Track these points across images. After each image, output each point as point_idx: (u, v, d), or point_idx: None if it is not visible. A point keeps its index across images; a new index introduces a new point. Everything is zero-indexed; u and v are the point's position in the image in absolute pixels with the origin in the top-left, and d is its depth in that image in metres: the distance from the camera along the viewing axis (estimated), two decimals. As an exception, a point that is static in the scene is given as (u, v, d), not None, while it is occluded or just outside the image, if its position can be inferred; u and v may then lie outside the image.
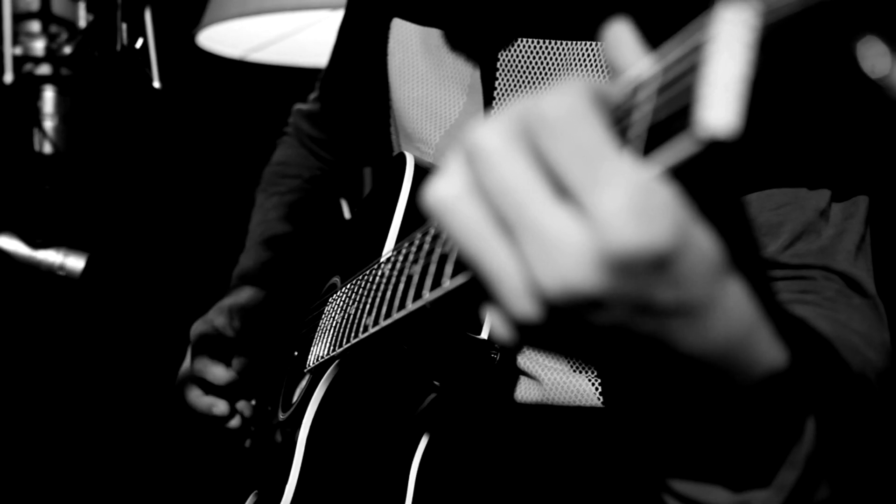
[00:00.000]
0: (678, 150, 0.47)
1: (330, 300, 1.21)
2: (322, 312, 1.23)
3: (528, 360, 1.10)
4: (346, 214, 1.46)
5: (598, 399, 1.07)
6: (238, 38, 2.14)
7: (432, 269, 0.76)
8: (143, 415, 2.03)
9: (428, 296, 0.75)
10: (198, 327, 1.41)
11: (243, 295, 1.47)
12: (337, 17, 2.14)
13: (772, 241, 0.85)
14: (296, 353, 1.32)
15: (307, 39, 2.25)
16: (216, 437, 1.41)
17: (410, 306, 0.79)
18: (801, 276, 0.85)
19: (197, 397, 1.41)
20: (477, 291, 0.59)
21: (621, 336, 0.53)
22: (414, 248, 0.84)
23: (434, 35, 1.21)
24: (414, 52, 1.25)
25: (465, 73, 1.18)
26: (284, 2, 2.05)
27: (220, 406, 1.38)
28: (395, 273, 0.88)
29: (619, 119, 0.53)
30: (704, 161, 0.48)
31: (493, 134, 0.52)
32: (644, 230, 0.47)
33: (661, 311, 0.51)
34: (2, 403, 2.05)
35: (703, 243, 0.50)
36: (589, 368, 1.08)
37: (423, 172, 1.13)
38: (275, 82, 2.20)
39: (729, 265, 0.51)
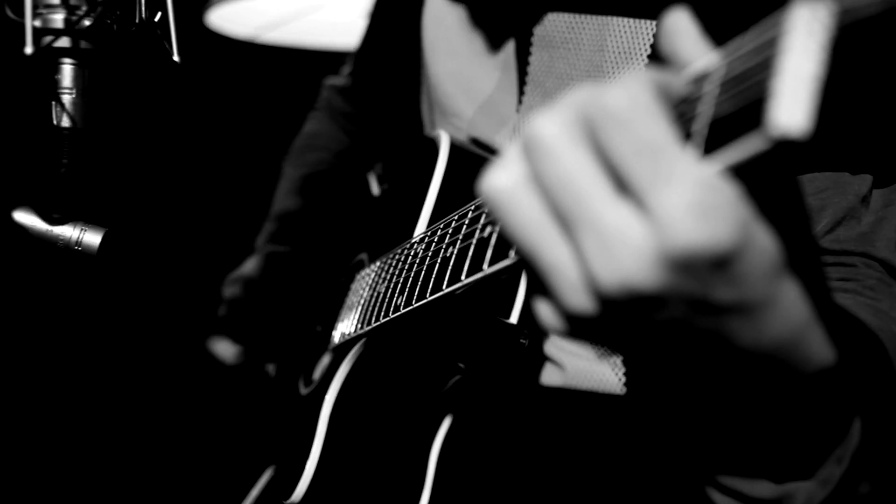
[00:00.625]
0: (745, 147, 0.47)
1: (357, 277, 1.21)
2: (348, 289, 1.23)
3: (553, 346, 1.10)
4: (374, 190, 1.45)
5: (621, 387, 1.06)
6: (248, 17, 2.13)
7: (470, 252, 0.75)
8: (158, 391, 2.03)
9: (466, 280, 0.74)
10: (232, 279, 1.41)
11: (260, 265, 1.47)
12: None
13: (812, 226, 0.84)
14: (318, 328, 1.32)
15: (319, 20, 2.23)
16: (236, 404, 1.41)
17: (446, 289, 0.79)
18: (842, 263, 0.85)
19: (218, 345, 1.41)
20: (530, 281, 0.58)
21: (676, 332, 0.52)
22: (450, 231, 0.83)
23: (470, 9, 1.20)
24: (448, 26, 1.24)
25: (499, 48, 1.16)
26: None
27: (232, 352, 1.39)
28: (430, 254, 0.87)
29: (681, 113, 0.52)
30: (769, 158, 0.47)
31: (554, 125, 0.51)
32: (707, 229, 0.46)
33: (719, 308, 0.50)
34: (16, 378, 2.05)
35: (764, 242, 0.49)
36: (613, 356, 1.07)
37: (457, 151, 1.12)
38: (287, 63, 2.19)
39: (786, 263, 0.51)
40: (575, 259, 0.51)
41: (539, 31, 1.09)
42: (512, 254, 0.67)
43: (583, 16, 1.05)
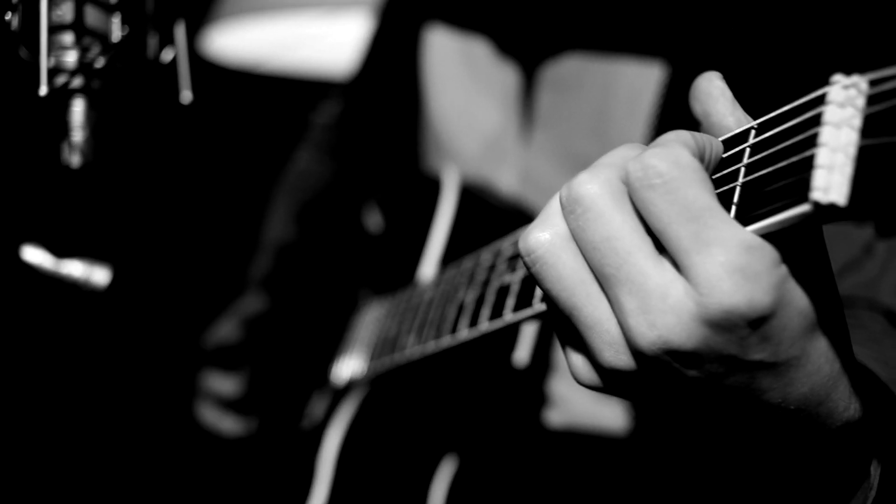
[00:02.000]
0: (787, 214, 0.49)
1: (361, 315, 1.21)
2: (349, 325, 1.22)
3: (556, 382, 1.10)
4: (370, 225, 1.46)
5: (625, 430, 1.06)
6: (246, 46, 2.14)
7: (490, 299, 0.76)
8: (163, 426, 2.02)
9: (486, 326, 0.75)
10: (211, 338, 1.40)
11: (255, 302, 1.46)
12: (338, 27, 2.15)
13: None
14: (317, 366, 1.31)
15: (318, 50, 2.25)
16: (227, 451, 1.40)
17: (466, 333, 0.79)
18: (848, 309, 0.86)
19: (206, 412, 1.39)
20: (562, 336, 0.59)
21: (708, 388, 0.54)
22: (465, 276, 0.84)
23: (474, 44, 1.21)
24: (451, 61, 1.24)
25: (507, 86, 1.17)
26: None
27: (226, 423, 1.37)
28: (446, 299, 0.88)
29: (719, 178, 0.55)
30: (806, 224, 0.49)
31: (596, 184, 0.53)
32: (746, 292, 0.48)
33: (754, 366, 0.52)
34: (23, 415, 2.03)
35: (798, 302, 0.51)
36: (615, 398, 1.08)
37: (464, 190, 1.13)
38: (285, 93, 2.20)
39: (817, 322, 0.53)
40: (614, 316, 0.53)
41: (548, 72, 1.10)
42: (536, 303, 0.68)
43: (591, 60, 1.06)
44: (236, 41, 2.06)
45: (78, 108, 0.91)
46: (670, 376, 0.53)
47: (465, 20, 1.23)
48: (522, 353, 1.06)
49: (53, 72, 0.88)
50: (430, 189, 1.18)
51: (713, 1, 0.98)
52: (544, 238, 0.55)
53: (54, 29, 0.87)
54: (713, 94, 0.58)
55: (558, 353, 1.09)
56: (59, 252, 0.95)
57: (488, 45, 1.19)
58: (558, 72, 1.09)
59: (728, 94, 0.58)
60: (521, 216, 1.13)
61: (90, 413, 2.12)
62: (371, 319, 1.15)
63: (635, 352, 0.52)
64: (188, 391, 1.40)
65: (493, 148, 1.19)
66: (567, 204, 0.54)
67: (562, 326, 0.59)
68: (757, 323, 0.50)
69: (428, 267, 1.10)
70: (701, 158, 0.54)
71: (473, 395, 1.10)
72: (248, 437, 1.38)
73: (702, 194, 0.50)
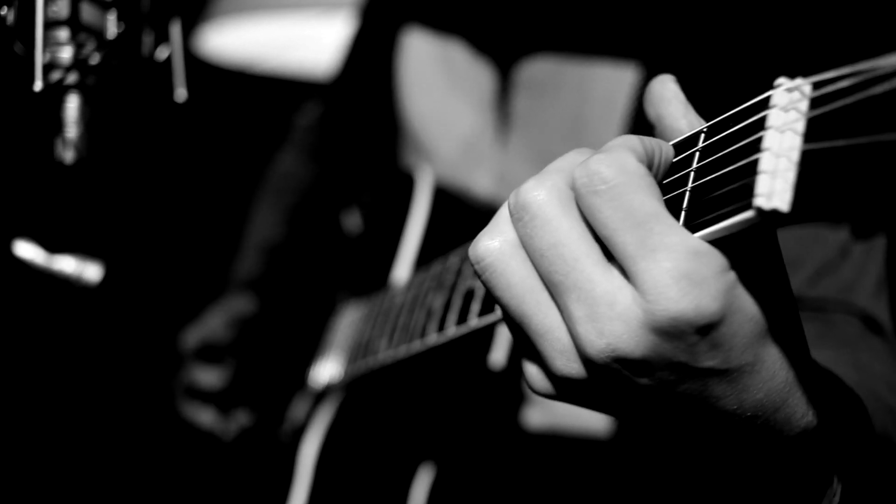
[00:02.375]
0: (732, 220, 0.49)
1: (339, 318, 1.20)
2: (327, 328, 1.22)
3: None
4: (349, 226, 1.46)
5: (606, 430, 1.07)
6: (238, 47, 2.14)
7: (457, 304, 0.76)
8: (150, 424, 2.01)
9: (453, 331, 0.75)
10: (192, 334, 1.39)
11: (240, 302, 1.46)
12: (331, 27, 2.15)
13: (793, 275, 0.86)
14: (299, 368, 1.31)
15: (305, 52, 2.25)
16: (207, 447, 1.40)
17: (434, 338, 0.79)
18: (822, 313, 0.86)
19: (186, 405, 1.39)
20: (516, 344, 0.59)
21: (660, 395, 0.54)
22: (434, 281, 0.84)
23: (451, 47, 1.21)
24: (428, 64, 1.24)
25: (483, 89, 1.17)
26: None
27: (204, 416, 1.36)
28: (416, 303, 0.88)
29: (669, 182, 0.54)
30: (753, 229, 0.49)
31: (543, 192, 0.53)
32: (693, 299, 0.48)
33: (703, 373, 0.52)
34: (15, 411, 2.03)
35: (747, 309, 0.51)
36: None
37: (438, 191, 1.13)
38: (276, 93, 2.20)
39: (768, 328, 0.53)
40: (564, 324, 0.53)
41: (523, 74, 1.10)
42: (498, 309, 0.68)
43: (565, 63, 1.07)
44: (230, 40, 2.06)
45: (72, 105, 0.91)
46: (621, 384, 0.53)
47: (441, 22, 1.23)
48: (499, 354, 1.07)
49: (48, 67, 0.88)
50: (405, 190, 1.17)
51: (687, 3, 0.98)
52: (493, 246, 0.55)
53: (50, 25, 0.87)
54: (666, 96, 0.58)
55: None
56: (52, 247, 0.95)
57: (464, 47, 1.19)
58: (533, 74, 1.09)
59: (681, 96, 0.58)
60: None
61: (81, 409, 2.11)
62: (348, 322, 1.15)
63: (585, 360, 0.52)
64: (174, 388, 1.39)
65: (470, 151, 1.19)
66: (514, 211, 0.54)
67: (516, 334, 0.58)
68: (705, 329, 0.49)
69: (402, 269, 1.10)
70: (649, 164, 0.53)
71: (451, 398, 1.10)
72: (229, 438, 1.37)
73: (647, 200, 0.50)
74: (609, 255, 0.52)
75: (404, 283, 0.98)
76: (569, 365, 0.53)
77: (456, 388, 1.07)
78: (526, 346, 0.58)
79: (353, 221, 1.45)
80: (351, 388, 1.09)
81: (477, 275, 0.56)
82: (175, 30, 0.92)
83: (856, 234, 0.92)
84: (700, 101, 0.61)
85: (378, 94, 1.33)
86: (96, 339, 2.00)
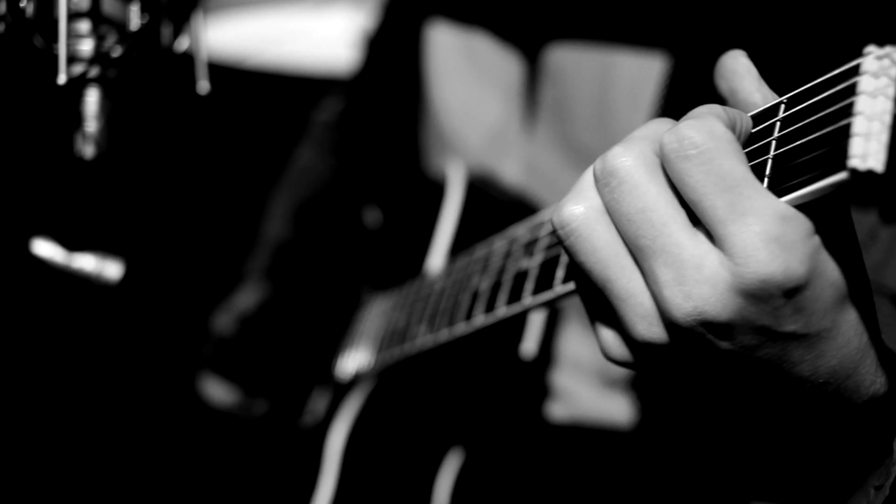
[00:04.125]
0: (822, 183, 0.50)
1: (365, 310, 1.20)
2: (352, 321, 1.21)
3: (561, 374, 1.10)
4: (369, 221, 1.45)
5: (629, 422, 1.07)
6: (228, 43, 2.12)
7: (507, 285, 0.76)
8: (172, 418, 1.99)
9: (504, 311, 0.75)
10: (223, 315, 1.38)
11: (253, 296, 1.45)
12: (323, 22, 2.13)
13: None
14: (318, 361, 1.30)
15: (296, 47, 2.23)
16: (230, 437, 1.39)
17: (482, 319, 0.79)
18: None
19: (210, 381, 1.38)
20: (591, 311, 0.59)
21: (739, 360, 0.54)
22: (479, 265, 0.84)
23: (476, 38, 1.20)
24: (453, 56, 1.24)
25: (510, 78, 1.17)
26: None
27: (226, 394, 1.36)
28: (459, 287, 0.87)
29: (749, 152, 0.55)
30: (840, 193, 0.49)
31: (631, 158, 0.53)
32: (782, 261, 0.48)
33: (786, 337, 0.52)
34: (33, 409, 2.00)
35: (831, 273, 0.52)
36: (622, 388, 1.08)
37: (470, 186, 1.12)
38: (268, 88, 2.18)
39: (847, 293, 0.53)
40: (648, 288, 0.53)
41: (550, 62, 1.10)
42: (557, 286, 0.68)
43: (591, 51, 1.06)
44: (221, 36, 2.03)
45: (92, 98, 0.89)
46: (703, 348, 0.53)
47: (466, 14, 1.22)
48: (530, 344, 1.06)
49: (69, 61, 0.86)
50: (436, 185, 1.17)
51: None
52: (578, 211, 0.55)
53: (71, 17, 0.85)
54: (739, 70, 0.59)
55: (565, 345, 1.09)
56: (71, 245, 0.93)
57: (489, 38, 1.19)
58: (559, 63, 1.09)
59: (754, 71, 0.59)
60: (526, 208, 1.13)
61: (101, 407, 2.09)
62: (377, 313, 1.14)
63: (669, 323, 0.53)
64: (195, 385, 1.38)
65: (497, 140, 1.19)
66: (601, 177, 0.54)
67: (593, 301, 0.59)
68: (791, 293, 0.50)
69: (436, 259, 1.09)
70: (736, 131, 0.54)
71: (480, 387, 1.09)
72: (251, 431, 1.36)
73: (737, 165, 0.50)
74: (694, 220, 0.52)
75: (441, 270, 0.98)
76: (651, 329, 0.54)
77: (486, 378, 1.07)
78: (603, 312, 0.58)
79: (373, 216, 1.44)
80: (381, 377, 1.09)
81: (560, 240, 0.56)
82: (198, 22, 0.91)
83: (883, 219, 0.92)
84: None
85: (402, 90, 1.32)
86: (117, 338, 1.98)
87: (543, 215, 0.78)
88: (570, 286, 0.65)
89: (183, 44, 0.92)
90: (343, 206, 1.54)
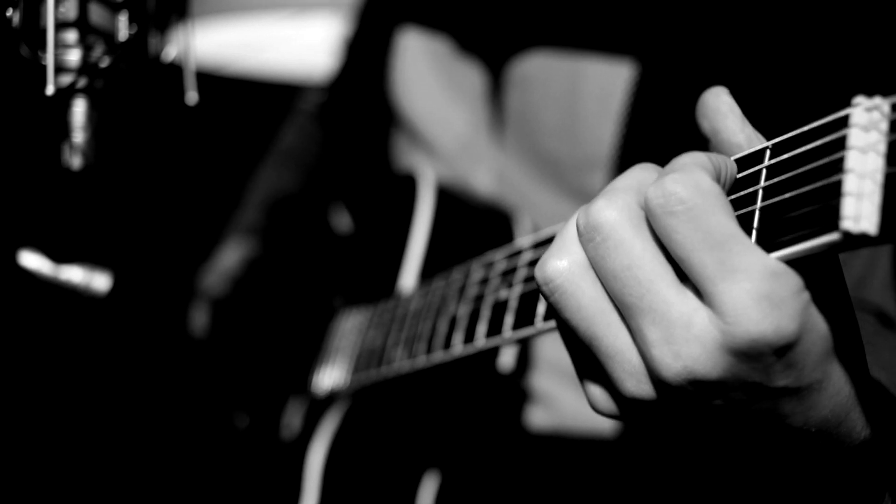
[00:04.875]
0: (813, 242, 0.48)
1: (340, 322, 1.18)
2: (327, 332, 1.20)
3: (543, 380, 1.10)
4: (339, 226, 1.43)
5: (613, 431, 1.07)
6: (209, 49, 2.11)
7: (485, 314, 0.75)
8: (160, 432, 1.98)
9: (483, 342, 0.74)
10: (211, 274, 1.38)
11: (244, 260, 1.46)
12: (304, 29, 2.13)
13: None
14: (291, 370, 1.28)
15: (277, 54, 2.22)
16: (211, 453, 1.37)
17: (460, 349, 0.78)
18: None
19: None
20: (578, 364, 0.58)
21: (731, 414, 0.53)
22: (455, 289, 0.83)
23: (441, 44, 1.20)
24: (422, 61, 1.23)
25: (474, 86, 1.16)
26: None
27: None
28: (435, 312, 0.86)
29: (737, 199, 0.54)
30: (833, 252, 0.49)
31: (615, 212, 0.52)
32: (773, 319, 0.48)
33: (778, 392, 0.52)
34: (22, 423, 1.98)
35: (820, 326, 0.51)
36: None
37: (442, 192, 1.11)
38: (249, 95, 2.17)
39: (834, 345, 0.52)
40: (634, 345, 0.52)
41: (517, 71, 1.09)
42: (539, 322, 0.67)
43: (558, 58, 1.06)
44: (202, 42, 2.02)
45: (79, 109, 0.88)
46: (692, 404, 0.53)
47: (432, 20, 1.22)
48: (507, 358, 1.06)
49: (56, 71, 0.85)
50: (406, 189, 1.15)
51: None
52: (562, 266, 0.54)
53: (58, 27, 0.84)
54: (721, 110, 0.58)
55: (542, 348, 1.09)
56: (59, 257, 0.92)
57: (454, 45, 1.18)
58: (525, 70, 1.08)
59: (737, 110, 0.57)
60: (500, 217, 1.12)
61: (90, 420, 2.07)
62: (351, 328, 1.12)
63: (657, 381, 0.52)
64: (185, 401, 1.36)
65: (468, 148, 1.18)
66: (585, 231, 0.53)
67: (579, 355, 0.58)
68: (783, 350, 0.49)
69: (409, 273, 1.08)
70: (718, 181, 0.53)
71: (458, 402, 1.09)
72: (234, 444, 1.35)
73: (725, 221, 0.49)
74: (681, 274, 0.51)
75: (417, 288, 0.96)
76: (639, 386, 0.53)
77: (463, 392, 1.06)
78: (590, 366, 0.57)
79: (343, 220, 1.42)
80: (357, 396, 1.08)
81: (545, 296, 0.55)
82: (186, 32, 0.90)
83: None
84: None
85: (374, 94, 1.32)
86: (105, 349, 1.96)
87: (519, 242, 0.77)
88: (552, 324, 0.64)
89: (171, 54, 0.92)
90: (310, 210, 1.53)
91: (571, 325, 0.54)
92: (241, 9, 1.90)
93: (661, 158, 0.55)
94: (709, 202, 0.49)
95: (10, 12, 0.83)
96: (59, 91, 0.85)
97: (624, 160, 1.00)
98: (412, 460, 1.07)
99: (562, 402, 1.09)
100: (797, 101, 0.92)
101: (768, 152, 0.53)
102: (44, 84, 0.82)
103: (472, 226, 1.11)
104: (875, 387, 0.64)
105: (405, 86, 1.26)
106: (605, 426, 1.07)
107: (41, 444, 1.98)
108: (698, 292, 0.50)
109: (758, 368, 0.50)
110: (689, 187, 0.49)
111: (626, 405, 0.56)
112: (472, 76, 1.17)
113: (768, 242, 0.51)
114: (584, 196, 1.04)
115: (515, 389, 1.09)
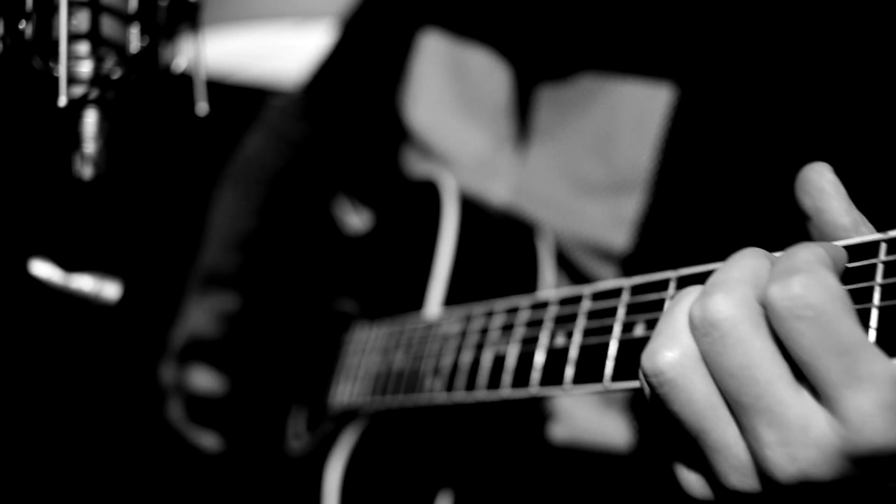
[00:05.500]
0: None
1: (356, 334, 1.16)
2: (344, 345, 1.18)
3: (561, 398, 1.10)
4: (348, 225, 1.39)
5: (628, 445, 1.07)
6: (213, 58, 2.12)
7: (539, 359, 0.73)
8: (169, 440, 1.98)
9: (537, 391, 0.72)
10: (181, 333, 1.33)
11: (225, 299, 1.41)
12: (308, 38, 2.14)
13: None
14: (303, 381, 1.27)
15: (281, 62, 2.23)
16: (219, 466, 1.37)
17: (508, 392, 0.76)
18: None
19: (178, 412, 1.33)
20: (675, 452, 0.57)
21: (832, 501, 0.52)
22: (499, 324, 0.80)
23: (470, 53, 1.19)
24: (442, 68, 1.21)
25: (498, 97, 1.15)
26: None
27: (207, 440, 1.32)
28: (476, 344, 0.83)
29: (853, 290, 0.52)
30: None
31: (734, 309, 0.51)
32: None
33: (888, 489, 0.51)
34: (30, 428, 1.98)
35: None
36: (620, 408, 1.07)
37: (467, 203, 1.10)
38: (253, 103, 2.17)
39: None
40: (742, 440, 0.52)
41: (551, 88, 1.10)
42: (607, 382, 0.65)
43: (599, 80, 1.05)
44: (207, 52, 2.03)
45: (91, 119, 0.90)
46: (797, 500, 0.52)
47: (465, 28, 1.21)
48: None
49: (69, 82, 0.86)
50: (427, 196, 1.13)
51: (722, 24, 0.99)
52: (674, 359, 0.53)
53: (70, 38, 0.85)
54: (826, 189, 0.56)
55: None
56: (69, 266, 0.93)
57: (485, 52, 1.17)
58: (563, 89, 1.08)
59: (842, 190, 0.56)
60: (521, 228, 1.11)
61: (98, 427, 2.07)
62: (372, 345, 1.07)
63: (766, 479, 0.51)
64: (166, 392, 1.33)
65: (485, 163, 1.18)
66: (701, 325, 0.52)
67: (678, 443, 0.57)
68: None
69: (436, 290, 1.05)
70: (840, 274, 0.52)
71: (477, 417, 1.08)
72: (234, 455, 1.34)
73: (853, 328, 0.48)
74: (797, 374, 0.50)
75: (450, 311, 0.93)
76: (744, 481, 0.53)
77: (483, 409, 1.06)
78: (691, 456, 0.56)
79: (350, 219, 1.38)
80: (376, 415, 1.07)
81: (652, 387, 0.54)
82: (197, 44, 0.91)
83: None
84: (739, 125, 0.60)
85: (382, 89, 1.30)
86: (115, 357, 1.96)
87: (577, 289, 0.74)
88: (623, 385, 0.63)
89: (181, 65, 0.93)
90: (309, 203, 1.47)
91: (679, 418, 0.54)
92: (245, 18, 1.91)
93: (699, 184, 0.54)
94: (838, 308, 0.48)
95: (23, 24, 0.84)
96: (71, 102, 0.86)
97: (661, 184, 1.00)
98: (428, 477, 1.06)
99: (577, 417, 1.10)
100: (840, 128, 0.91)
101: (884, 245, 0.52)
102: (56, 95, 0.83)
103: (497, 239, 1.09)
104: None
105: (420, 88, 1.24)
106: (620, 441, 1.07)
107: (49, 448, 1.98)
108: (815, 393, 0.49)
109: (876, 472, 0.49)
110: (818, 292, 0.48)
111: (724, 494, 0.56)
112: (494, 87, 1.16)
113: (888, 345, 0.49)
114: (617, 219, 1.02)
115: (537, 407, 1.08)
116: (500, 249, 1.08)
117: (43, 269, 0.92)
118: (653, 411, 0.58)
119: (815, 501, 0.53)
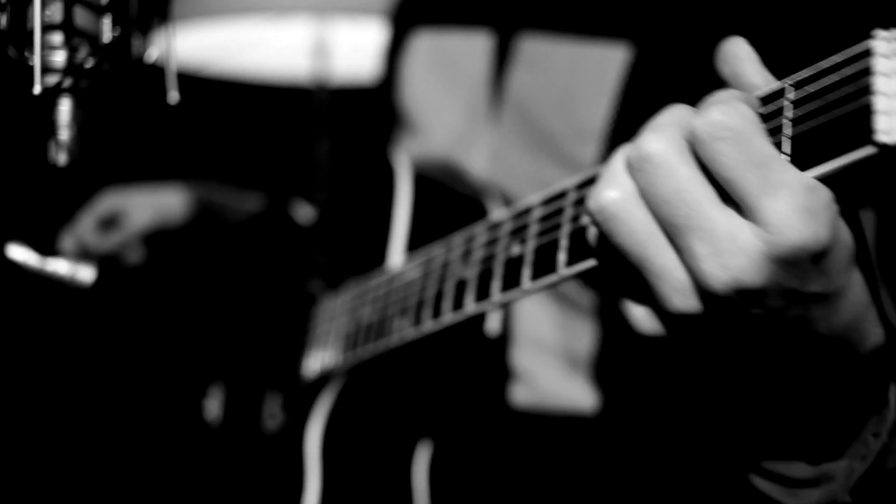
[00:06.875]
0: (849, 157, 0.54)
1: (322, 306, 1.19)
2: (311, 319, 1.21)
3: (524, 356, 1.14)
4: (302, 214, 1.43)
5: (594, 407, 1.10)
6: (188, 51, 2.14)
7: (498, 272, 0.79)
8: (148, 424, 1.99)
9: (499, 297, 0.78)
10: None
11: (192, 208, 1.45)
12: (283, 31, 2.16)
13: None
14: (268, 363, 1.30)
15: (256, 56, 2.25)
16: (204, 444, 1.38)
17: (473, 307, 0.81)
18: None
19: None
20: (617, 288, 0.64)
21: (767, 321, 0.59)
22: (457, 254, 0.86)
23: (446, 35, 1.25)
24: (424, 59, 1.28)
25: (475, 69, 1.21)
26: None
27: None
28: (438, 279, 0.89)
29: (770, 129, 0.60)
30: (862, 167, 0.54)
31: (663, 143, 0.58)
32: (812, 228, 0.54)
33: (810, 297, 0.58)
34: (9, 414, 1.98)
35: (846, 236, 0.58)
36: (585, 370, 1.12)
37: (419, 176, 1.14)
38: (227, 96, 2.20)
39: (855, 253, 0.59)
40: (681, 263, 0.58)
41: (520, 51, 1.14)
42: (562, 269, 0.71)
43: (559, 40, 1.11)
44: (182, 44, 2.05)
45: (65, 108, 0.92)
46: (734, 314, 0.58)
47: (440, 13, 1.27)
48: (493, 322, 1.09)
49: (43, 71, 0.89)
50: (382, 174, 1.17)
51: None
52: (615, 195, 0.60)
53: (44, 29, 0.88)
54: (741, 55, 0.64)
55: (520, 324, 1.12)
56: (45, 250, 0.95)
57: (460, 29, 1.23)
58: (527, 49, 1.13)
59: (754, 55, 0.64)
60: (478, 203, 1.15)
61: (77, 410, 2.08)
62: (338, 309, 1.13)
63: (705, 294, 0.58)
64: (164, 395, 1.37)
65: (464, 131, 1.22)
66: (636, 162, 0.59)
67: (623, 281, 0.63)
68: (818, 257, 0.55)
69: (395, 253, 1.10)
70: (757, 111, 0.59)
71: (446, 371, 1.12)
72: (216, 438, 1.37)
73: (766, 144, 0.56)
74: (723, 197, 0.57)
75: (411, 260, 0.98)
76: (686, 301, 0.59)
77: (452, 359, 1.10)
78: (633, 290, 0.63)
79: (304, 211, 1.42)
80: (351, 374, 1.11)
81: (597, 224, 0.61)
82: (168, 33, 0.94)
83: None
84: (693, 82, 0.65)
85: (383, 99, 1.36)
86: (90, 340, 1.98)
87: (527, 201, 0.80)
88: (575, 269, 0.69)
89: (153, 55, 0.96)
90: (272, 206, 1.53)
91: (623, 250, 0.60)
92: (220, 11, 1.94)
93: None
94: (751, 127, 0.56)
95: (-3, 15, 0.86)
96: (46, 90, 0.88)
97: (617, 133, 1.06)
98: (406, 431, 1.10)
99: (542, 380, 1.13)
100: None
101: (791, 89, 0.59)
102: (31, 84, 0.86)
103: (451, 205, 1.14)
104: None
105: (408, 81, 1.30)
106: (585, 405, 1.10)
107: (29, 432, 1.99)
108: (740, 211, 0.56)
109: (796, 275, 0.56)
110: (734, 116, 0.56)
111: (671, 321, 0.62)
112: (472, 59, 1.21)
113: (801, 164, 0.56)
114: (577, 167, 1.08)
115: (499, 360, 1.12)
116: (455, 213, 1.12)
117: (19, 253, 0.95)
118: (600, 250, 0.65)
119: (746, 315, 0.58)
